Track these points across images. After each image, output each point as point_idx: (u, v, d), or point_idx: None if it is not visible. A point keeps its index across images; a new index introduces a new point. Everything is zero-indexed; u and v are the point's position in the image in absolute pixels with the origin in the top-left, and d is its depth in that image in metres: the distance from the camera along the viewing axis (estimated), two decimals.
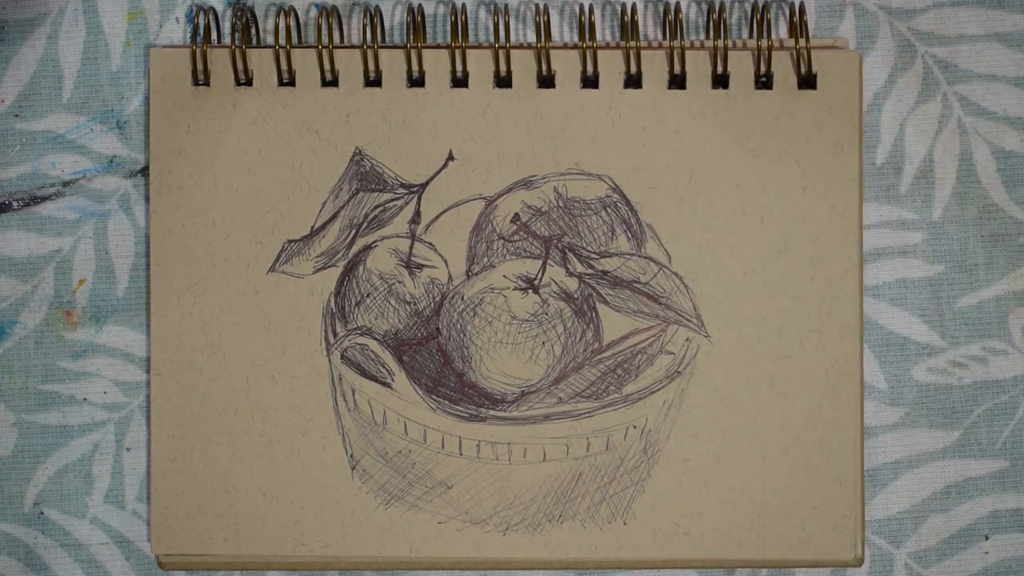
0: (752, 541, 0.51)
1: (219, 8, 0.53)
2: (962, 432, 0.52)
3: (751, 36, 0.52)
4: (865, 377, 0.52)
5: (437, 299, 0.51)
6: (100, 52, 0.52)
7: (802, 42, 0.50)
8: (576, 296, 0.51)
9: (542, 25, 0.50)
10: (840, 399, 0.50)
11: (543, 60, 0.50)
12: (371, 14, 0.51)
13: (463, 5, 0.51)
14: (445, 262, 0.51)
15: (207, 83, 0.51)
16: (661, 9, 0.52)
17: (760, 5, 0.51)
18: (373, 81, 0.51)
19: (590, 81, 0.51)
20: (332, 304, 0.51)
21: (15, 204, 0.52)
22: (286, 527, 0.51)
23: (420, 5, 0.51)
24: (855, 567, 0.51)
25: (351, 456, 0.51)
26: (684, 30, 0.52)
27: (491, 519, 0.51)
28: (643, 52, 0.51)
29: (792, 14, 0.51)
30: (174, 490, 0.51)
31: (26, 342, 0.52)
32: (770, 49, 0.50)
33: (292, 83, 0.51)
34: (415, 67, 0.51)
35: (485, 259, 0.51)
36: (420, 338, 0.51)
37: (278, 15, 0.51)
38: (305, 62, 0.51)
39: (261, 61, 0.51)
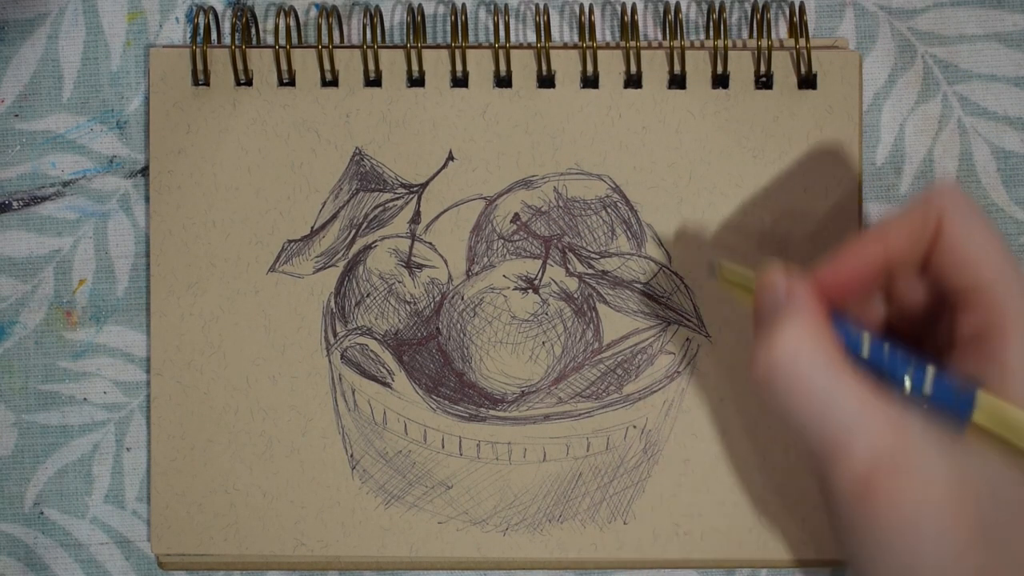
0: (752, 541, 0.51)
1: (219, 8, 0.53)
2: None
3: (751, 36, 0.52)
4: None
5: (437, 299, 0.51)
6: (100, 52, 0.52)
7: (802, 42, 0.50)
8: (576, 296, 0.51)
9: (542, 25, 0.50)
10: None
11: (543, 60, 0.50)
12: (371, 14, 0.51)
13: (463, 5, 0.51)
14: (445, 262, 0.51)
15: (207, 83, 0.51)
16: (661, 9, 0.52)
17: (760, 5, 0.51)
18: (373, 81, 0.51)
19: (590, 81, 0.51)
20: (332, 304, 0.51)
21: (15, 204, 0.52)
22: (286, 527, 0.51)
23: (420, 5, 0.51)
24: None
25: (351, 456, 0.51)
26: (684, 30, 0.52)
27: (491, 519, 0.51)
28: (643, 52, 0.51)
29: (792, 14, 0.51)
30: (174, 490, 0.51)
31: (26, 342, 0.52)
32: (770, 49, 0.50)
33: (292, 83, 0.51)
34: (415, 67, 0.51)
35: (485, 259, 0.51)
36: (420, 338, 0.51)
37: (278, 15, 0.51)
38: (305, 62, 0.51)
39: (261, 61, 0.51)
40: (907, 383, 0.38)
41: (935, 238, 0.40)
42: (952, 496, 0.37)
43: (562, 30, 0.53)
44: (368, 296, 0.51)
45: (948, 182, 0.40)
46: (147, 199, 0.52)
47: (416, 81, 0.51)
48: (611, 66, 0.51)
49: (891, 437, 0.38)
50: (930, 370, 0.38)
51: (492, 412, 0.51)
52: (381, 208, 0.51)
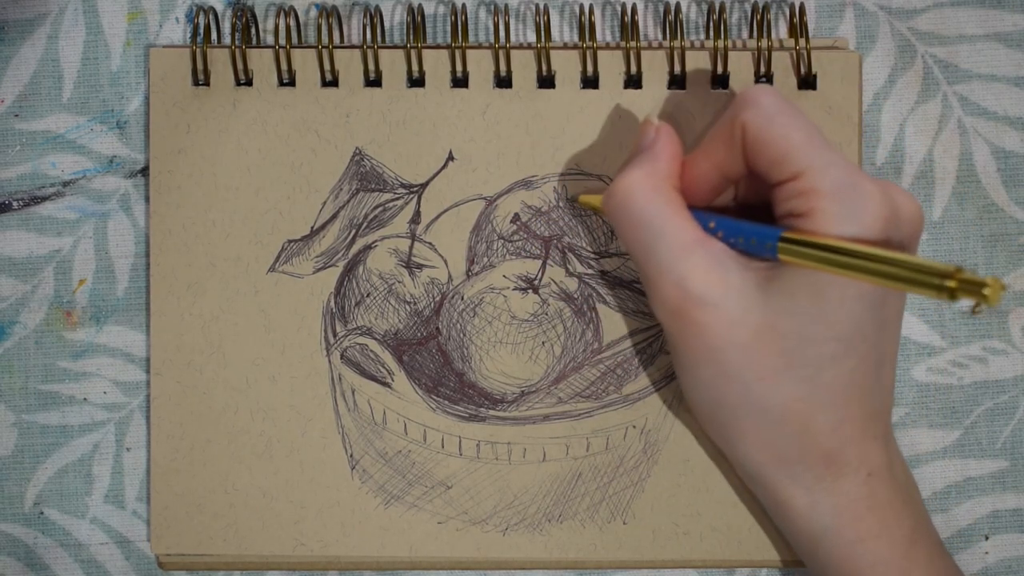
0: (752, 541, 0.51)
1: (219, 8, 0.53)
2: (962, 432, 0.52)
3: (751, 36, 0.52)
4: None
5: (437, 299, 0.51)
6: (100, 52, 0.52)
7: (802, 42, 0.50)
8: (576, 296, 0.51)
9: (542, 25, 0.50)
10: None
11: (543, 60, 0.50)
12: (371, 14, 0.51)
13: (463, 5, 0.51)
14: (445, 262, 0.51)
15: (207, 83, 0.51)
16: (661, 9, 0.52)
17: (760, 5, 0.51)
18: (373, 81, 0.51)
19: (590, 81, 0.51)
20: (332, 304, 0.51)
21: (15, 204, 0.52)
22: (286, 527, 0.51)
23: (420, 5, 0.51)
24: None
25: (351, 456, 0.51)
26: (684, 30, 0.52)
27: (491, 519, 0.51)
28: (643, 52, 0.51)
29: (792, 14, 0.51)
30: (174, 490, 0.51)
31: (26, 342, 0.52)
32: (770, 49, 0.50)
33: (292, 83, 0.51)
34: (415, 67, 0.51)
35: (485, 259, 0.51)
36: (420, 338, 0.51)
37: (278, 15, 0.51)
38: (305, 62, 0.51)
39: (261, 61, 0.51)
40: (738, 240, 0.44)
41: (743, 143, 0.44)
42: (757, 336, 0.43)
43: (562, 30, 0.53)
44: (368, 296, 0.51)
45: (750, 88, 0.45)
46: (147, 199, 0.52)
47: (416, 81, 0.51)
48: (611, 66, 0.51)
49: (703, 275, 0.43)
50: (750, 225, 0.44)
51: (492, 412, 0.51)
52: (381, 208, 0.51)
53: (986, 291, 0.37)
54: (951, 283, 0.38)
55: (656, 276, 0.44)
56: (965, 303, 0.52)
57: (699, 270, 0.44)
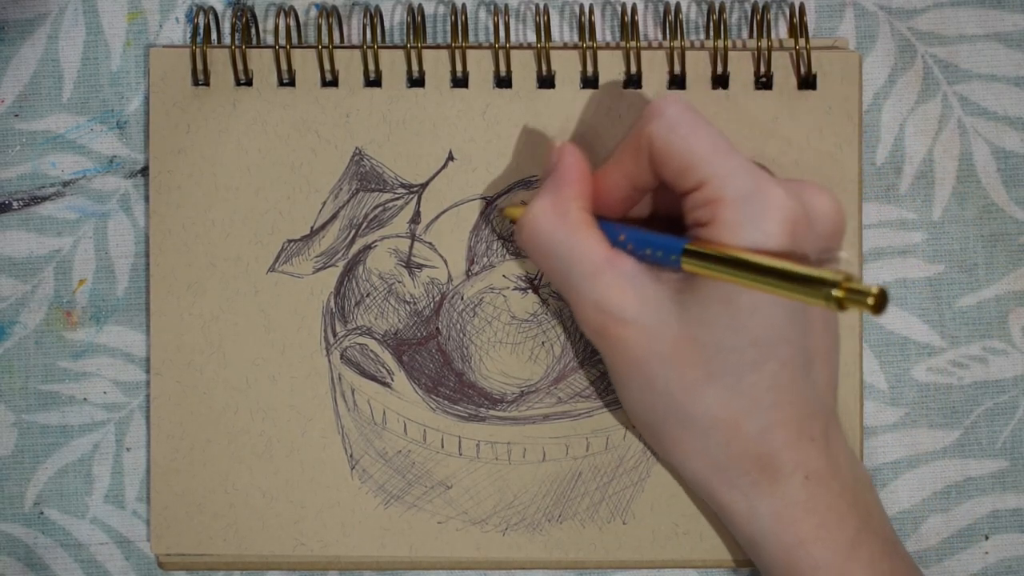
0: None
1: (219, 8, 0.53)
2: (962, 432, 0.52)
3: (751, 36, 0.52)
4: (865, 377, 0.52)
5: (437, 299, 0.51)
6: (100, 52, 0.53)
7: (802, 42, 0.50)
8: None
9: (542, 25, 0.50)
10: (840, 399, 0.50)
11: (543, 60, 0.50)
12: (371, 14, 0.51)
13: (463, 5, 0.51)
14: (445, 262, 0.51)
15: (207, 83, 0.51)
16: (661, 9, 0.52)
17: (760, 5, 0.51)
18: (373, 81, 0.51)
19: (590, 81, 0.51)
20: (332, 304, 0.51)
21: (15, 204, 0.52)
22: (286, 527, 0.51)
23: (420, 5, 0.51)
24: None
25: (351, 456, 0.51)
26: (684, 30, 0.52)
27: (491, 519, 0.51)
28: (643, 52, 0.51)
29: (792, 14, 0.51)
30: (174, 490, 0.51)
31: (26, 342, 0.52)
32: (770, 49, 0.50)
33: (292, 83, 0.51)
34: (415, 67, 0.51)
35: (485, 259, 0.51)
36: (420, 338, 0.51)
37: (278, 15, 0.51)
38: (305, 62, 0.51)
39: (261, 61, 0.51)
40: (647, 252, 0.44)
41: (649, 155, 0.45)
42: (676, 348, 0.44)
43: (562, 30, 0.53)
44: (368, 296, 0.51)
45: (658, 99, 0.45)
46: (147, 199, 0.52)
47: (416, 81, 0.51)
48: (611, 66, 0.51)
49: (618, 294, 0.44)
50: (657, 237, 0.44)
51: (492, 412, 0.51)
52: (381, 208, 0.51)
53: (869, 300, 0.37)
54: (838, 292, 0.37)
55: (575, 301, 0.45)
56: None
57: (613, 290, 0.44)
